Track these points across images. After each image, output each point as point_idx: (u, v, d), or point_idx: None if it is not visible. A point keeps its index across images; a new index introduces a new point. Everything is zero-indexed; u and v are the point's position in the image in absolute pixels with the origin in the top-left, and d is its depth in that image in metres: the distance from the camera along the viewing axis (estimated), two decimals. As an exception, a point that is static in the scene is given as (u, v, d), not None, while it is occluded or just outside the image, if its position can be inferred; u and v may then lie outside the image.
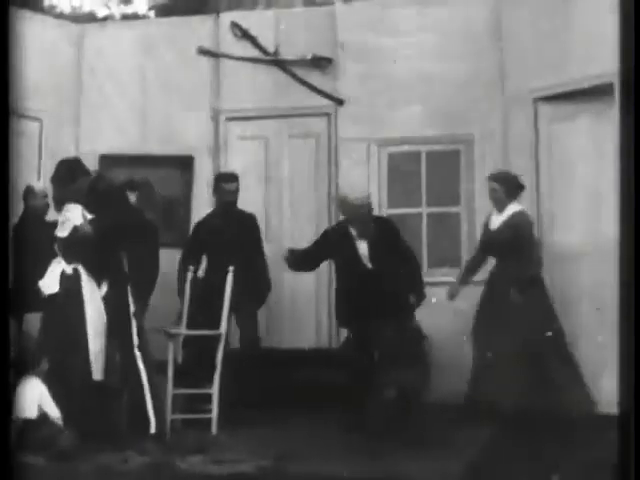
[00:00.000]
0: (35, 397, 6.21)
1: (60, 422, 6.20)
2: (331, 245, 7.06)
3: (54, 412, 6.23)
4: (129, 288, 6.57)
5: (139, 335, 6.57)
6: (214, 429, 6.87)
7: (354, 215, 6.93)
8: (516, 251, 7.20)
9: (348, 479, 5.45)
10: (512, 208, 7.32)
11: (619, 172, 4.18)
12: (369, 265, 6.91)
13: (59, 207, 6.66)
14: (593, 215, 7.39)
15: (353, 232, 6.96)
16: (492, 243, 7.39)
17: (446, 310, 7.61)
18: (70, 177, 6.59)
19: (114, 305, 6.51)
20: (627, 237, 3.97)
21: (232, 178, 7.87)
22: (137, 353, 6.52)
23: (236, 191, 7.79)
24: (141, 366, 6.52)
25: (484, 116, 8.24)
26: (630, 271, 3.89)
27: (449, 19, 8.37)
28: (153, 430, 6.48)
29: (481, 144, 8.28)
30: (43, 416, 6.17)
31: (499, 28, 8.21)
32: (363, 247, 6.96)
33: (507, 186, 7.34)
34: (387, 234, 7.03)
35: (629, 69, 4.07)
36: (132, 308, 6.55)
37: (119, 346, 6.48)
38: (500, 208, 7.35)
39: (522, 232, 7.27)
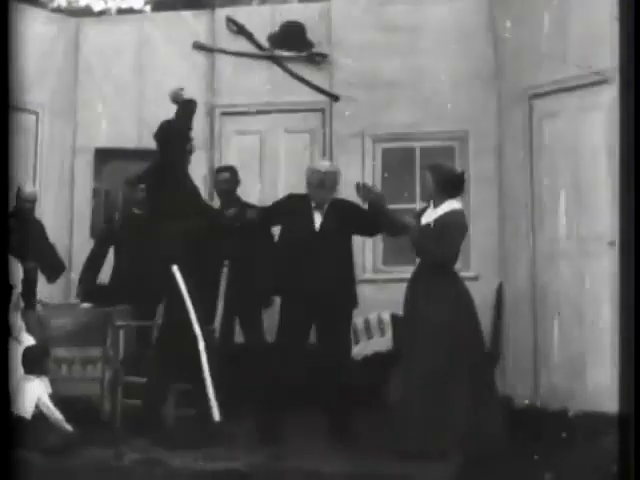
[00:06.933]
0: (33, 397, 6.21)
1: (63, 424, 6.21)
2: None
3: (55, 414, 6.22)
4: None
5: None
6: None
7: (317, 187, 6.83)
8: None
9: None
10: (447, 206, 6.41)
11: (619, 169, 4.18)
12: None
13: None
14: (584, 211, 7.41)
15: (313, 204, 6.90)
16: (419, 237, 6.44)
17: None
18: None
19: None
20: (627, 236, 3.97)
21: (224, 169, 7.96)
22: None
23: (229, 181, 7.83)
24: None
25: (479, 112, 8.25)
26: (630, 269, 3.89)
27: (444, 15, 8.38)
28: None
29: (475, 140, 8.29)
30: (39, 416, 6.17)
31: (494, 25, 8.23)
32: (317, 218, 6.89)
33: (439, 179, 6.45)
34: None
35: (628, 65, 4.07)
36: None
37: None
38: (434, 202, 6.49)
39: (447, 232, 6.32)
